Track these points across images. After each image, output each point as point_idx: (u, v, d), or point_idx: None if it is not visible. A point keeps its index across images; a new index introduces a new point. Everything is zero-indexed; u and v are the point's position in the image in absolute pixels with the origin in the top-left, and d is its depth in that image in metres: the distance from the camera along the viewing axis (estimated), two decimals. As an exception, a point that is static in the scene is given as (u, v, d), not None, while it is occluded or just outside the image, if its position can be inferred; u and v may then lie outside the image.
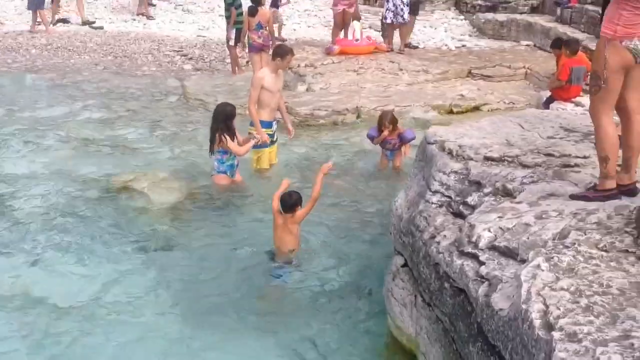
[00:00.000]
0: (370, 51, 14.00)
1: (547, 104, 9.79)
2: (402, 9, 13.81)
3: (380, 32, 15.16)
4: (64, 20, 18.55)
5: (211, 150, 7.61)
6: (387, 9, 14.05)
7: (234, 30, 13.18)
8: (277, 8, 16.21)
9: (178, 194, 7.60)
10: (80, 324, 5.23)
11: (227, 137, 7.40)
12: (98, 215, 7.13)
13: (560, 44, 10.16)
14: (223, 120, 7.46)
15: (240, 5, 13.18)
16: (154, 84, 13.10)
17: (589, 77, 4.18)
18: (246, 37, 12.70)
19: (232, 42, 13.30)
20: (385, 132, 8.09)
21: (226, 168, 7.64)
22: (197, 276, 6.01)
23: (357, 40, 14.04)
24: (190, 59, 15.26)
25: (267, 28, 12.36)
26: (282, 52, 7.95)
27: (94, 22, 18.37)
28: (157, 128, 10.27)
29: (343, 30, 14.32)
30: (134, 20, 19.04)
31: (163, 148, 9.36)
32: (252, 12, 12.34)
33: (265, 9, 12.57)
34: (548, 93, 10.21)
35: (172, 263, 6.23)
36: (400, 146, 8.29)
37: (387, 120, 8.06)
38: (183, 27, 18.44)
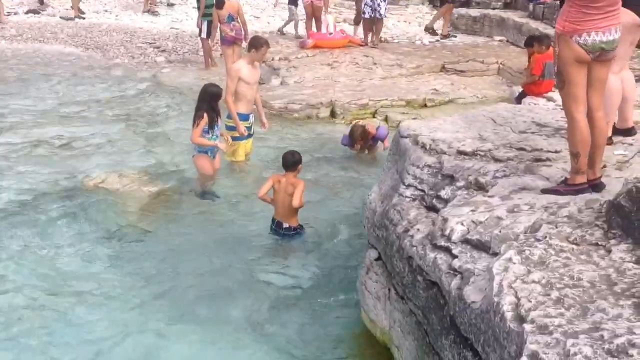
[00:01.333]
0: (343, 45, 14.05)
1: (519, 99, 9.86)
2: (379, 4, 13.85)
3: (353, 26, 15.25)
4: (35, 11, 18.27)
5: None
6: (364, 4, 14.11)
7: (205, 22, 13.07)
8: (296, 6, 15.65)
9: (152, 190, 7.52)
10: (53, 322, 5.16)
11: (204, 118, 7.30)
12: (69, 214, 6.99)
13: (532, 42, 10.24)
14: (208, 100, 7.41)
15: None
16: (126, 77, 12.96)
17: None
18: (218, 30, 12.51)
19: (203, 35, 13.19)
20: (358, 146, 8.37)
21: (207, 148, 7.56)
22: (172, 273, 5.95)
23: (330, 34, 14.05)
24: (163, 51, 15.13)
25: (239, 20, 12.19)
26: (257, 43, 7.93)
27: (83, 14, 18.11)
28: (129, 122, 10.15)
29: (315, 24, 14.32)
30: (136, 15, 18.76)
31: (135, 142, 9.24)
32: (219, 4, 12.07)
33: (234, 0, 12.37)
34: (520, 88, 10.30)
35: (146, 260, 6.16)
36: (374, 144, 8.42)
37: (358, 136, 8.23)
38: (156, 20, 18.28)
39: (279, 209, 6.35)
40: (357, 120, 9.35)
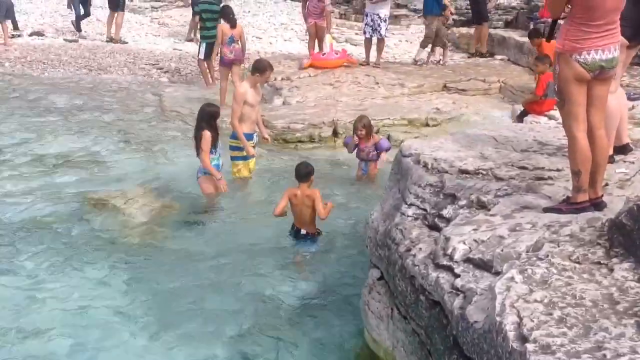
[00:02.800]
0: (338, 65, 13.90)
1: (520, 118, 9.88)
2: (379, 25, 13.90)
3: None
4: (39, 33, 18.41)
5: (197, 151, 7.61)
6: (365, 24, 14.18)
7: (203, 44, 13.17)
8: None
9: (155, 208, 7.54)
10: (54, 338, 5.17)
11: (207, 138, 7.41)
12: (72, 231, 7.01)
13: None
14: (207, 119, 7.56)
15: (210, 17, 13.08)
16: (130, 97, 13.03)
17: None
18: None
19: (201, 56, 13.29)
20: (359, 134, 8.15)
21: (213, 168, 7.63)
22: (176, 286, 5.96)
23: (324, 54, 14.06)
24: (166, 72, 15.23)
25: (240, 42, 12.25)
26: (261, 67, 8.10)
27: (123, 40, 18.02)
28: (133, 141, 10.19)
29: (318, 44, 14.40)
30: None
31: (139, 162, 9.28)
32: (233, 23, 12.04)
33: (239, 23, 12.42)
34: (521, 107, 10.32)
35: (147, 277, 6.15)
36: (376, 156, 8.31)
37: (361, 124, 8.13)
38: (159, 41, 18.40)
39: (298, 220, 6.59)
40: None
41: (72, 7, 18.34)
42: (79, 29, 18.33)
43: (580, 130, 4.11)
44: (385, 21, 13.96)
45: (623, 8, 4.13)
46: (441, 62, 14.65)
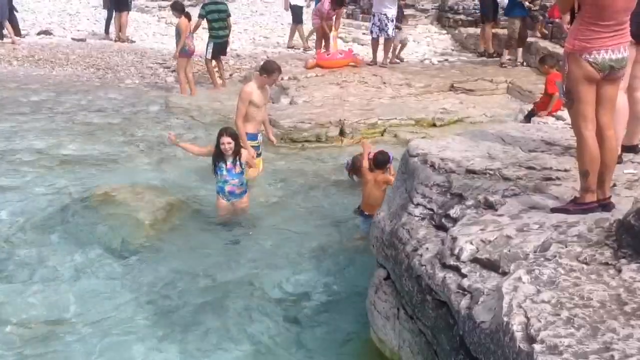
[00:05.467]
0: (342, 65, 13.93)
1: (527, 118, 9.84)
2: (386, 25, 13.90)
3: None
4: (46, 32, 18.46)
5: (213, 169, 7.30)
6: (372, 24, 14.18)
7: (211, 44, 13.23)
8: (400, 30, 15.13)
9: (162, 202, 7.52)
10: (60, 336, 5.18)
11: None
12: (77, 228, 7.03)
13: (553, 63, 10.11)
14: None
15: (217, 18, 13.21)
16: (137, 96, 13.06)
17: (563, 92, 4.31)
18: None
19: (208, 55, 13.34)
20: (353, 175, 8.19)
21: (217, 189, 7.28)
22: (181, 285, 5.97)
23: (328, 54, 14.06)
24: (173, 71, 15.23)
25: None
26: (269, 68, 8.04)
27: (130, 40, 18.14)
28: (140, 140, 10.21)
29: (325, 44, 14.42)
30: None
31: (145, 161, 9.30)
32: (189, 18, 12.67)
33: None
34: (529, 107, 10.27)
35: (151, 276, 6.15)
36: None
37: (359, 162, 8.11)
38: (166, 40, 18.42)
39: (365, 201, 6.90)
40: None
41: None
42: (107, 31, 18.29)
43: (589, 130, 4.10)
44: (392, 21, 13.98)
45: (634, 8, 4.11)
46: (518, 61, 14.43)
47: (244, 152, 7.22)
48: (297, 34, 17.01)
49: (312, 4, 18.01)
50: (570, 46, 4.11)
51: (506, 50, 14.37)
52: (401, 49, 15.35)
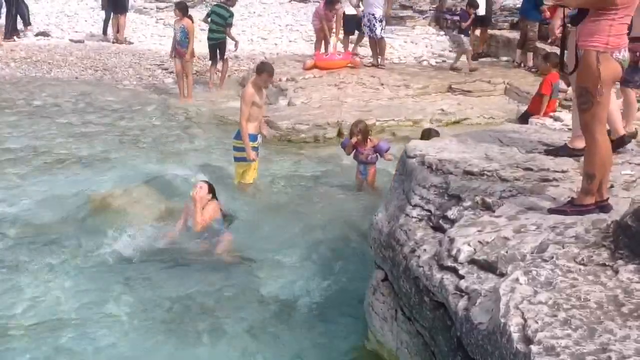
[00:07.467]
0: (340, 66, 13.83)
1: (523, 119, 9.78)
2: (374, 25, 13.80)
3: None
4: (44, 34, 18.43)
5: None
6: (363, 25, 14.14)
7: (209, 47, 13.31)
8: (467, 35, 14.83)
9: (157, 210, 7.52)
10: (54, 340, 5.18)
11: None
12: (73, 231, 7.00)
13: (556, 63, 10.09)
14: None
15: (215, 21, 13.29)
16: (135, 98, 13.04)
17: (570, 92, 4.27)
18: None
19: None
20: (354, 140, 8.09)
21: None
22: (180, 289, 5.96)
23: (326, 55, 14.07)
24: (171, 72, 15.21)
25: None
26: (259, 69, 8.18)
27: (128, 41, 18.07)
28: (138, 142, 10.21)
29: (325, 45, 14.40)
30: None
31: (143, 163, 9.28)
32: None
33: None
34: (526, 108, 10.27)
35: (148, 280, 6.14)
36: (375, 158, 8.20)
37: (357, 129, 8.06)
38: (164, 41, 18.39)
39: None
40: None
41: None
42: (105, 32, 18.25)
43: (603, 134, 4.02)
44: (380, 21, 13.81)
45: None
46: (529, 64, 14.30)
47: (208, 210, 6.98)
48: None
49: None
50: (604, 44, 3.92)
51: (519, 51, 14.32)
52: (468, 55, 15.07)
